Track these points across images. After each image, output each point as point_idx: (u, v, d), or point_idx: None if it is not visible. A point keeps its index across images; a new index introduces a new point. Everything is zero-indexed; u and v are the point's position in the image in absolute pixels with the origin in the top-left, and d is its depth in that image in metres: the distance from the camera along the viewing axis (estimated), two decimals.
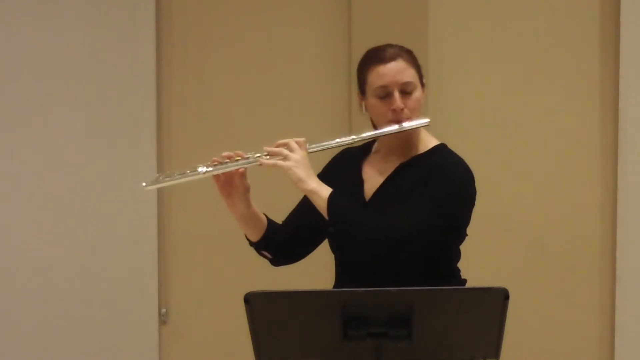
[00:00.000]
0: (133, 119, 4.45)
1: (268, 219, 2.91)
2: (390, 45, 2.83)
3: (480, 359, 2.46)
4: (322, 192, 2.72)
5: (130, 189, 4.43)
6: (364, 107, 2.85)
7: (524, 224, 4.35)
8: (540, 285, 4.35)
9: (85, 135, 4.44)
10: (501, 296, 2.37)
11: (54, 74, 4.40)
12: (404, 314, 2.37)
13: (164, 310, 4.53)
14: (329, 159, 2.99)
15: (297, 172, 2.71)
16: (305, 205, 2.89)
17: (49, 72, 4.39)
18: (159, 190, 4.45)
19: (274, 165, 2.73)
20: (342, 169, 2.91)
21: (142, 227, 4.46)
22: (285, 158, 2.73)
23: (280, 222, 2.96)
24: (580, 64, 4.32)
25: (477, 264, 4.18)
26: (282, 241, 2.92)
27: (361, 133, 2.82)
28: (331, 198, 2.70)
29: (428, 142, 2.86)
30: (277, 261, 2.96)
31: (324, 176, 2.87)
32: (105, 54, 4.42)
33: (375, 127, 2.84)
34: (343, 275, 2.89)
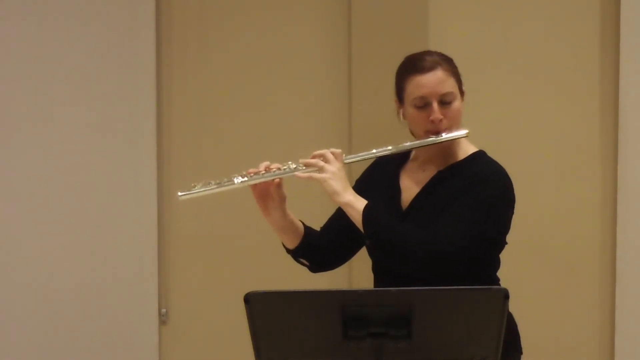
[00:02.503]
0: (133, 119, 4.45)
1: (305, 226, 2.90)
2: (429, 54, 2.80)
3: (480, 359, 2.46)
4: (357, 204, 2.70)
5: (131, 189, 4.44)
6: (401, 115, 2.82)
7: (524, 223, 4.33)
8: (540, 285, 4.35)
9: (85, 135, 4.44)
10: (501, 296, 2.37)
11: (54, 74, 4.40)
12: (404, 314, 2.36)
13: (164, 310, 4.53)
14: (364, 166, 2.96)
15: (333, 185, 2.69)
16: (343, 213, 2.85)
17: (48, 72, 4.39)
18: (159, 191, 4.46)
19: (310, 178, 2.71)
20: (379, 177, 2.89)
21: (142, 227, 4.47)
22: (320, 170, 2.71)
23: (318, 229, 2.94)
24: (580, 64, 4.32)
25: None
26: (320, 248, 2.90)
27: (399, 143, 2.79)
28: (366, 211, 2.69)
29: (467, 149, 2.83)
30: (315, 268, 2.94)
31: (362, 183, 2.87)
32: (105, 53, 4.43)
33: (413, 135, 2.81)
34: (381, 281, 2.87)
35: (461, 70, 4.35)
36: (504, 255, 4.36)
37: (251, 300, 2.38)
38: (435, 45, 4.31)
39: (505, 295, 2.37)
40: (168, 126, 4.51)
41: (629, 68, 4.23)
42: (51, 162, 4.41)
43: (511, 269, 4.30)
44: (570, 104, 4.34)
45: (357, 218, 2.70)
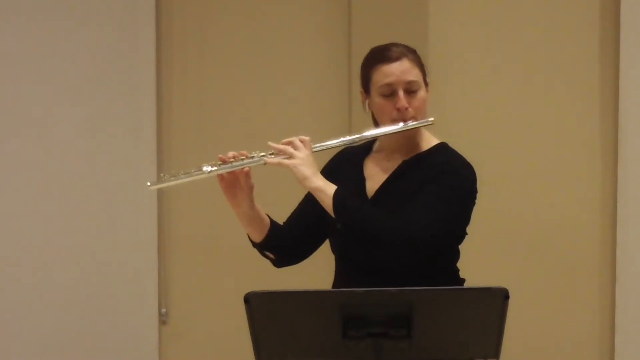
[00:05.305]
0: (133, 119, 4.45)
1: (271, 219, 2.91)
2: (395, 45, 2.83)
3: (480, 359, 2.46)
4: (327, 189, 2.71)
5: (131, 189, 4.44)
6: (367, 106, 2.85)
7: (524, 223, 4.35)
8: (540, 285, 4.35)
9: (86, 135, 4.44)
10: (501, 296, 2.38)
11: (54, 74, 4.40)
12: (403, 314, 2.37)
13: (164, 310, 4.53)
14: (328, 159, 2.99)
15: (303, 170, 2.71)
16: (307, 205, 2.90)
17: (49, 72, 4.39)
18: (159, 190, 4.45)
19: (279, 164, 2.73)
20: (343, 169, 2.91)
21: (142, 227, 4.47)
22: (290, 156, 2.73)
23: (281, 223, 2.96)
24: (580, 64, 4.32)
25: (477, 264, 4.18)
26: (285, 242, 2.91)
27: (365, 132, 2.82)
28: (337, 195, 2.70)
29: (430, 140, 2.87)
30: (280, 262, 2.96)
31: (325, 176, 2.86)
32: (105, 53, 4.43)
33: (377, 126, 2.84)
34: (343, 275, 2.88)
35: (461, 69, 4.38)
36: (504, 256, 4.37)
37: (251, 300, 2.38)
38: (435, 44, 4.32)
39: (505, 295, 2.37)
40: (168, 125, 4.51)
41: (629, 68, 4.23)
42: (51, 162, 4.41)
43: (511, 269, 4.33)
44: (570, 104, 4.34)
45: (327, 202, 2.71)
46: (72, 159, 4.43)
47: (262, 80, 4.49)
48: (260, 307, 2.40)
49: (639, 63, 4.22)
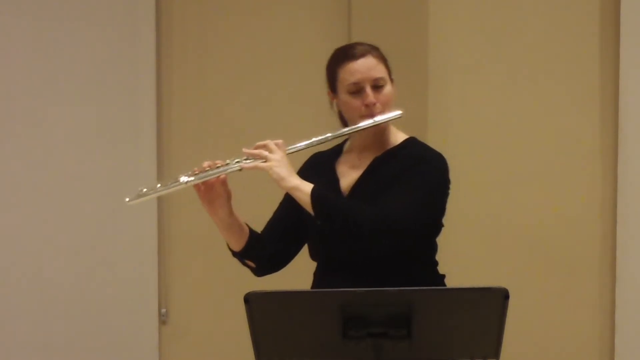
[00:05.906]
0: (133, 119, 4.45)
1: (250, 228, 2.92)
2: (358, 43, 2.88)
3: (480, 359, 2.46)
4: (304, 187, 2.73)
5: (130, 189, 4.43)
6: (334, 105, 2.88)
7: (524, 223, 4.35)
8: (540, 285, 4.35)
9: (85, 135, 4.44)
10: (501, 296, 2.38)
11: (54, 74, 4.40)
12: (403, 314, 2.37)
13: (164, 310, 4.53)
14: (300, 165, 2.99)
15: (278, 171, 2.73)
16: (283, 211, 2.93)
17: (48, 72, 4.39)
18: None
19: (255, 167, 2.75)
20: (315, 172, 2.91)
21: (142, 227, 4.47)
22: (265, 159, 2.75)
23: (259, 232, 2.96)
24: (580, 64, 4.32)
25: (477, 264, 4.19)
26: (265, 249, 2.92)
27: (336, 131, 2.84)
28: (314, 192, 2.72)
29: (398, 136, 2.89)
30: (260, 270, 2.97)
31: None
32: (105, 54, 4.43)
33: (345, 125, 2.87)
34: (324, 276, 2.88)
35: (461, 69, 4.38)
36: (504, 256, 4.37)
37: (251, 300, 2.38)
38: (435, 45, 4.32)
39: (505, 295, 2.37)
40: (168, 126, 4.51)
41: (629, 68, 4.23)
42: (51, 162, 4.41)
43: (511, 269, 4.32)
44: (570, 103, 4.35)
45: (305, 200, 2.72)
46: (71, 159, 4.43)
47: (262, 80, 4.50)
48: (260, 307, 2.40)
49: (639, 63, 4.22)
